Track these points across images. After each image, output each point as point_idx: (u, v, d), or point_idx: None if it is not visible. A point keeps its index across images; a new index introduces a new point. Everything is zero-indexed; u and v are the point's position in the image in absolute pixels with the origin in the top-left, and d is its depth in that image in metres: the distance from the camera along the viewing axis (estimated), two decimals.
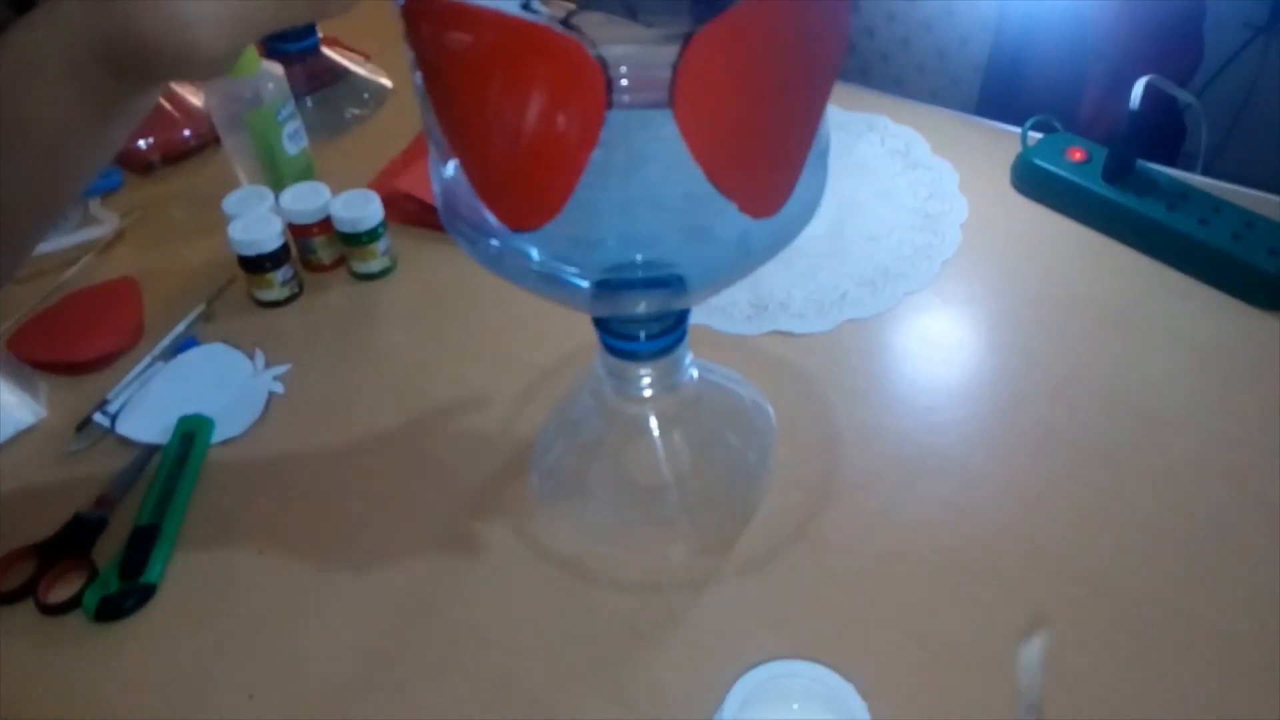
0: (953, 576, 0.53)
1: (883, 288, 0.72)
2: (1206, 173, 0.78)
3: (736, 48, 0.34)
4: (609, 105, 0.34)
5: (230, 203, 0.74)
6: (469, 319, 0.72)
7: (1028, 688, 0.47)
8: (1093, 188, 0.74)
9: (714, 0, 0.34)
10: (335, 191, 0.74)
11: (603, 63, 0.33)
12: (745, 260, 0.43)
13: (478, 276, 0.56)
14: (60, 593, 0.55)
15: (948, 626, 0.51)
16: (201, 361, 0.70)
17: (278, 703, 0.50)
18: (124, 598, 0.54)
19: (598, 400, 0.57)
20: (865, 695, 0.45)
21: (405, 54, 0.39)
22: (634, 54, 0.35)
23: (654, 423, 0.56)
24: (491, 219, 0.40)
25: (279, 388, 0.67)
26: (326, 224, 0.74)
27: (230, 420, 0.65)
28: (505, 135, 0.36)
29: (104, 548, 0.57)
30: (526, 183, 0.38)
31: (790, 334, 0.68)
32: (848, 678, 0.46)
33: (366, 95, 0.97)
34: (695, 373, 0.56)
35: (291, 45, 0.91)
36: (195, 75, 0.42)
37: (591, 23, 0.40)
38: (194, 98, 0.92)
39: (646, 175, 0.39)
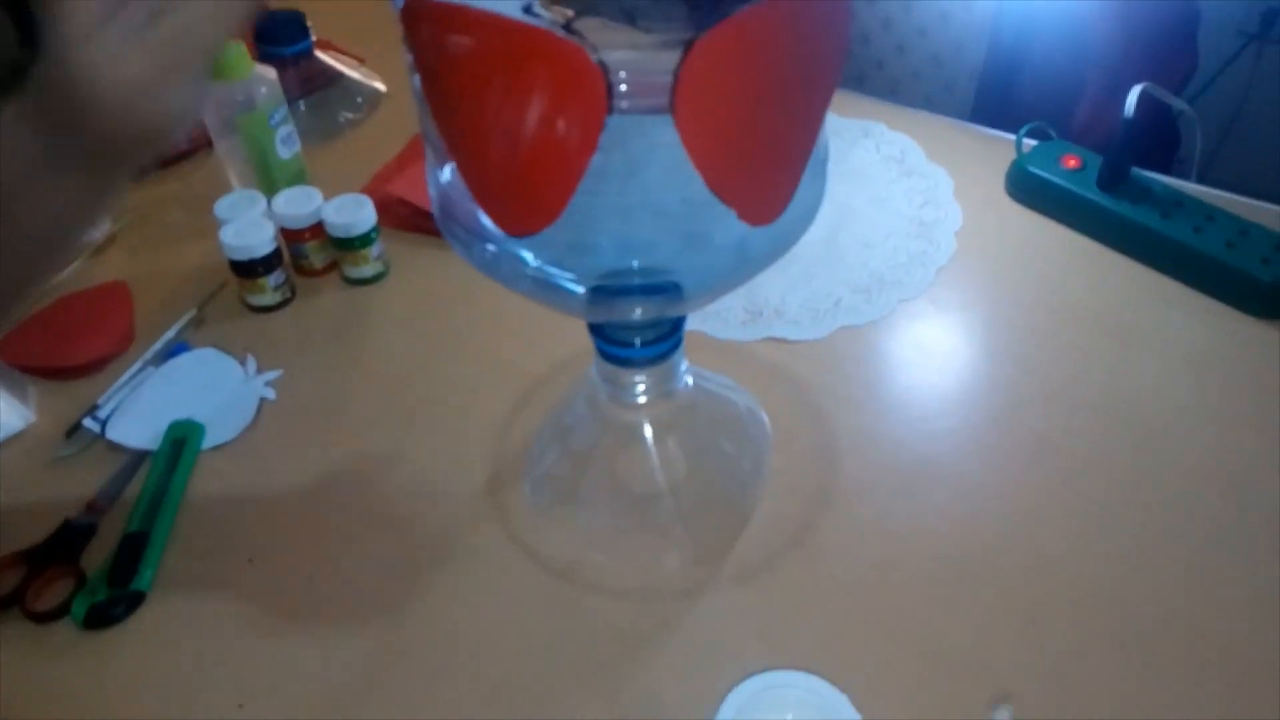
0: (948, 585, 0.53)
1: (877, 295, 0.71)
2: (1201, 180, 0.78)
3: (739, 54, 0.34)
4: (609, 110, 0.33)
5: (222, 207, 0.73)
6: (462, 324, 0.72)
7: None
8: (1087, 195, 0.74)
9: (713, 6, 0.33)
10: (328, 196, 0.74)
11: (604, 68, 0.33)
12: (743, 267, 0.43)
13: (471, 282, 0.55)
14: (49, 600, 0.54)
15: (943, 636, 0.51)
16: (193, 366, 0.69)
17: (268, 712, 0.49)
18: (113, 605, 0.53)
19: (592, 407, 0.57)
20: (859, 706, 0.45)
21: (403, 57, 0.38)
22: (633, 59, 0.34)
23: (648, 430, 0.56)
24: (488, 223, 0.40)
25: (270, 393, 0.67)
26: (319, 229, 0.74)
27: (221, 426, 0.64)
28: (504, 139, 0.36)
29: (93, 554, 0.57)
30: (525, 187, 0.38)
31: (785, 340, 0.68)
32: (842, 688, 0.46)
33: (360, 99, 0.96)
34: (690, 379, 0.56)
35: (285, 49, 0.91)
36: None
37: (589, 28, 0.40)
38: None
39: (644, 181, 0.39)
